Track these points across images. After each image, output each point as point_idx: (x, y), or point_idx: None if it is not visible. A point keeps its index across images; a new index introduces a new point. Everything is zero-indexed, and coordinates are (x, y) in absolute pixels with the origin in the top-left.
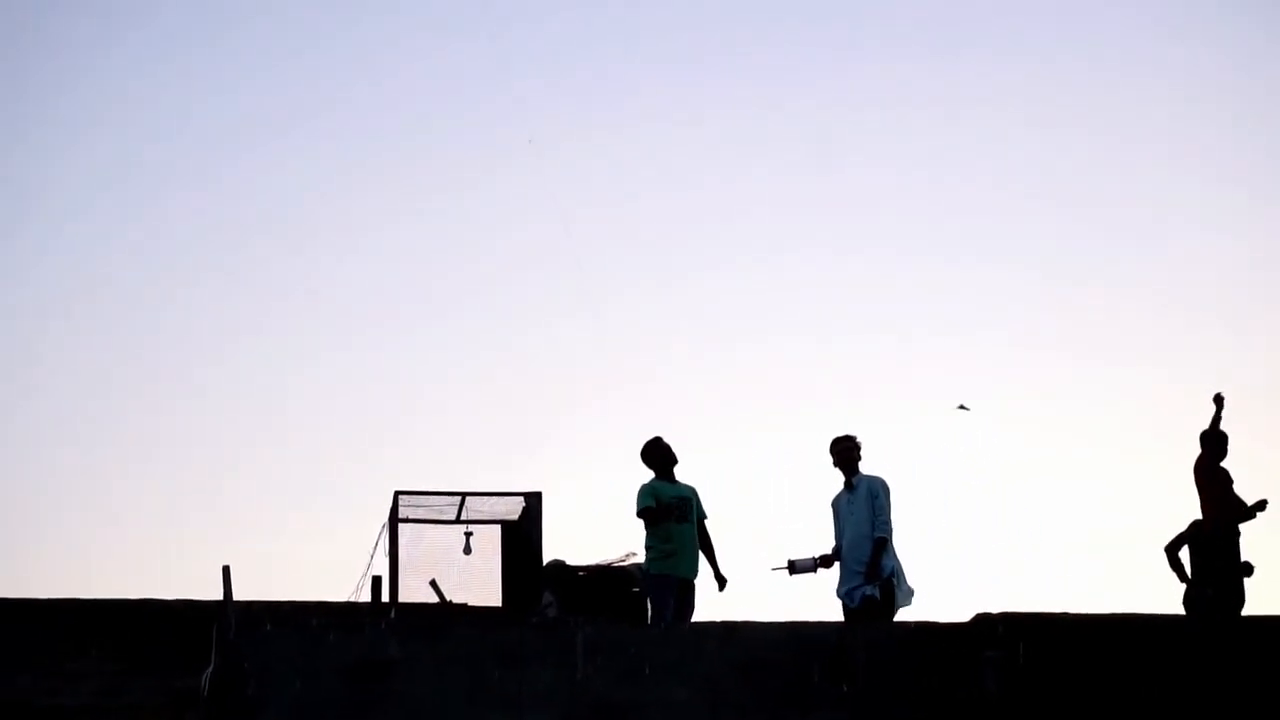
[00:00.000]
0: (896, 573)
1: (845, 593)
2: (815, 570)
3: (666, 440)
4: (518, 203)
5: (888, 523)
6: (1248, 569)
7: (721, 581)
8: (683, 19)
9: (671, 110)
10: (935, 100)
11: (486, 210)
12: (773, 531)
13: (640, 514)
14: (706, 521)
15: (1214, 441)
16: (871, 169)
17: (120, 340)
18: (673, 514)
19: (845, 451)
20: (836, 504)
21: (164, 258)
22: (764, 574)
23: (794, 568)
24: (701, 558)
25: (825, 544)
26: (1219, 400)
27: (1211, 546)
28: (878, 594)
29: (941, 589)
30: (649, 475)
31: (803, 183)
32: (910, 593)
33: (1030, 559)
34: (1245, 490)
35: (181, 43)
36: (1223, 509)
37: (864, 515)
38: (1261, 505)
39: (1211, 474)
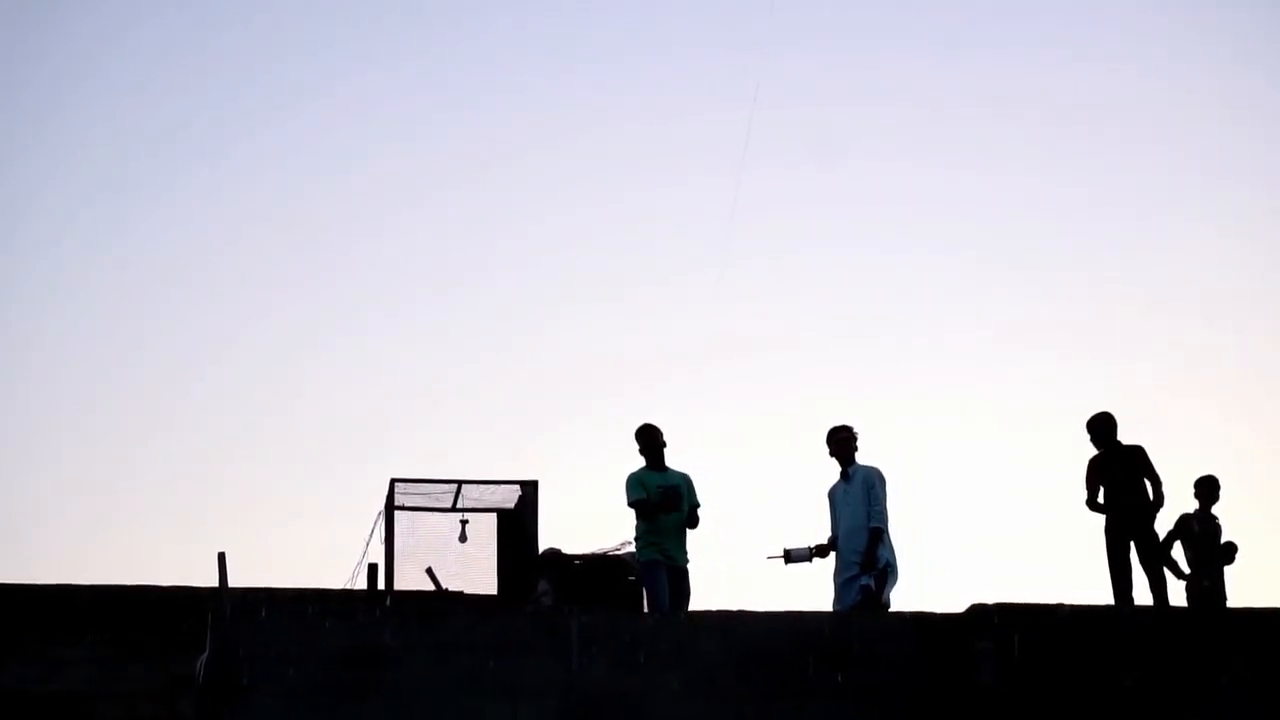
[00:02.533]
0: (891, 565)
1: (841, 583)
2: (810, 560)
3: (658, 427)
4: (513, 195)
5: (883, 513)
6: (1230, 551)
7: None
8: (681, 17)
9: (664, 105)
10: (932, 98)
11: (483, 202)
12: (769, 522)
13: (632, 504)
14: (699, 510)
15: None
16: (866, 164)
17: (118, 329)
18: (660, 506)
19: (842, 442)
20: (833, 494)
21: (161, 246)
22: (760, 565)
23: (789, 557)
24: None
25: (822, 534)
26: None
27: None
28: (873, 584)
29: (937, 580)
30: (641, 463)
31: (797, 178)
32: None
33: (1026, 550)
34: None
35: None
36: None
37: (860, 505)
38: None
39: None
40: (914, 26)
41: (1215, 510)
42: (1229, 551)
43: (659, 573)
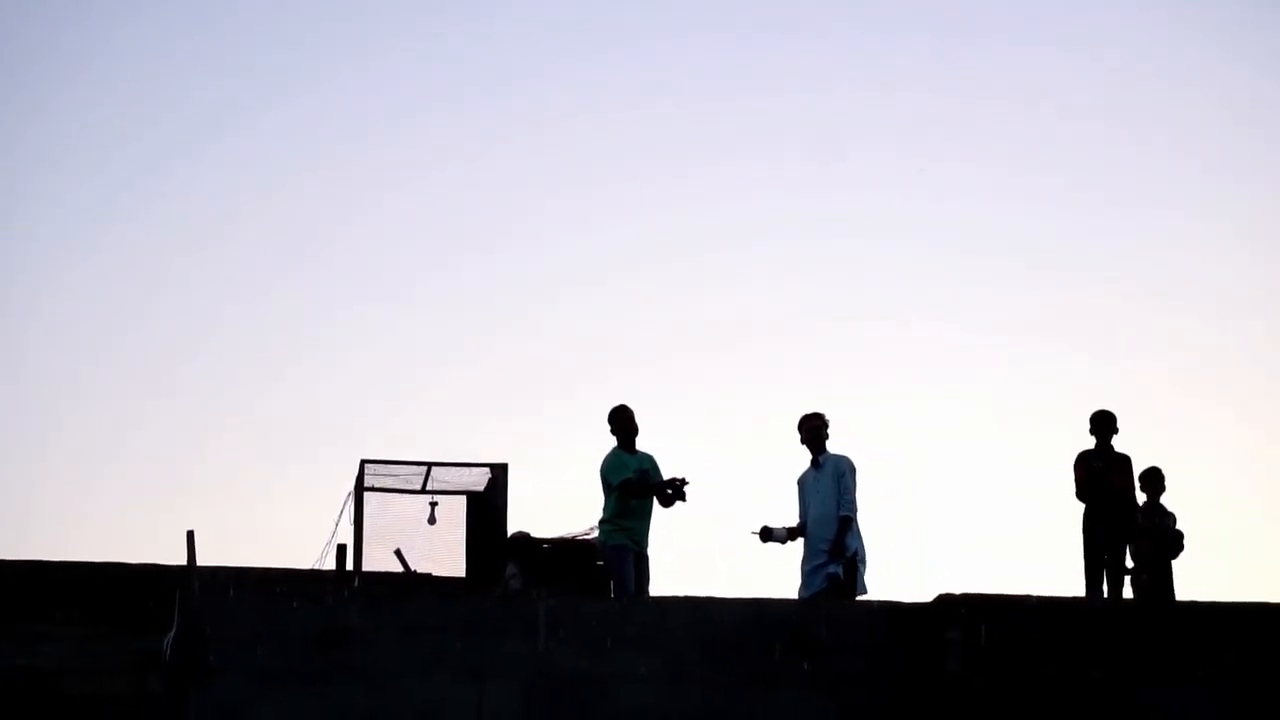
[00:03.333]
0: (860, 553)
1: (809, 570)
2: (785, 542)
3: (631, 409)
4: (483, 180)
5: (853, 502)
6: (1177, 540)
7: (676, 485)
8: (681, 14)
9: (638, 97)
10: (927, 97)
11: (453, 187)
12: (740, 508)
13: (620, 485)
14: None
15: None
16: (860, 155)
17: (89, 309)
18: (647, 487)
19: (813, 429)
20: (803, 481)
21: (132, 231)
22: (730, 551)
23: (766, 534)
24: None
25: (792, 521)
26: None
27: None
28: (841, 573)
29: (905, 570)
30: (612, 443)
31: (783, 167)
32: (864, 584)
33: (994, 542)
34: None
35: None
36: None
37: (830, 494)
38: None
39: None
40: (910, 21)
41: (1164, 501)
42: (1175, 542)
43: (627, 558)
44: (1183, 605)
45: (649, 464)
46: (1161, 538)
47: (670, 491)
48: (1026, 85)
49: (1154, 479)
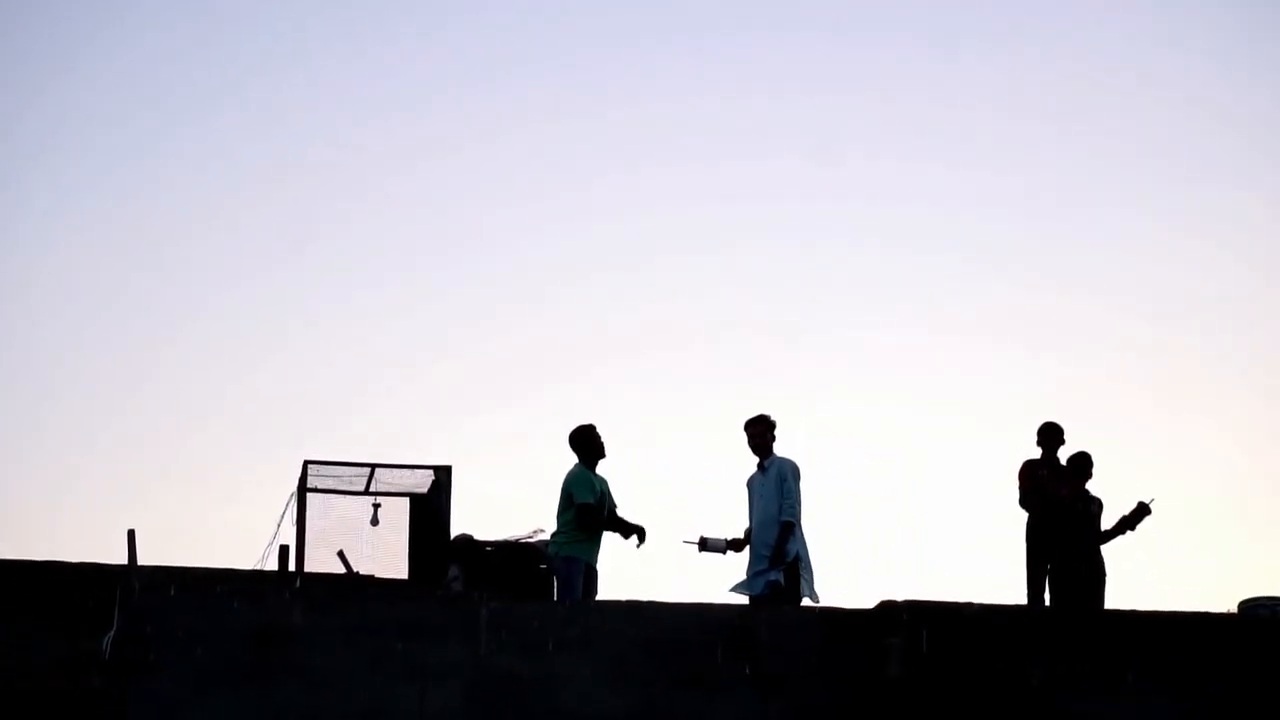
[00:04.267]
0: (802, 558)
1: (751, 575)
2: (724, 552)
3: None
4: (434, 182)
5: (795, 507)
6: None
7: (639, 532)
8: (679, 14)
9: (617, 95)
10: (921, 99)
11: (400, 188)
12: (685, 514)
13: (581, 508)
14: (618, 511)
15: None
16: (847, 158)
17: (30, 305)
18: (605, 520)
19: (759, 434)
20: (750, 484)
21: (78, 224)
22: (672, 555)
23: (704, 544)
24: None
25: (739, 525)
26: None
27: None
28: (782, 579)
29: (848, 576)
30: (572, 461)
31: (768, 168)
32: (813, 590)
33: (936, 548)
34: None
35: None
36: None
37: (773, 498)
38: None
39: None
40: (908, 22)
41: (1090, 487)
42: (1137, 514)
43: (578, 569)
44: (1124, 614)
45: (605, 487)
46: (1093, 523)
47: (627, 535)
48: (1025, 89)
49: (1081, 464)
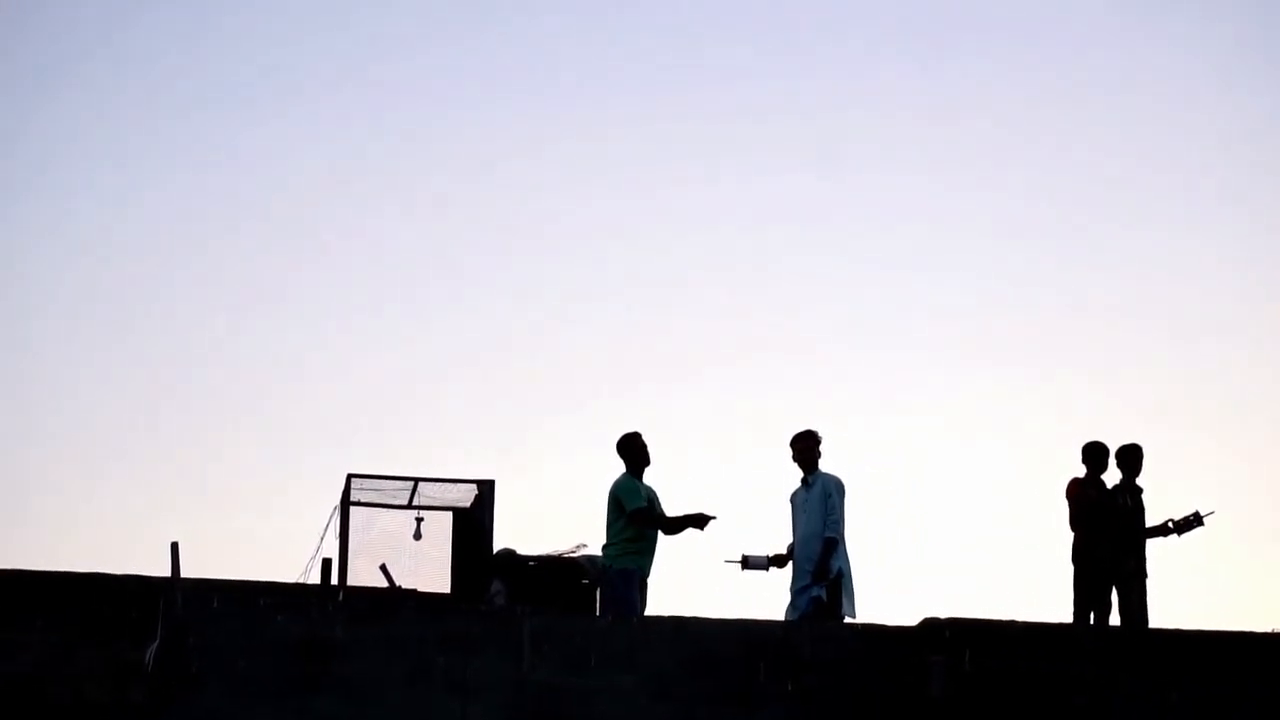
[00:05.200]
0: (845, 574)
1: (795, 591)
2: (767, 569)
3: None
4: (476, 195)
5: (839, 523)
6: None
7: (698, 518)
8: (680, 18)
9: (644, 108)
10: (920, 105)
11: (445, 202)
12: (729, 528)
13: (634, 513)
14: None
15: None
16: (853, 171)
17: (77, 319)
18: (659, 520)
19: (805, 449)
20: (794, 500)
21: (123, 239)
22: (716, 570)
23: (746, 563)
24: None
25: (783, 540)
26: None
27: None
28: (824, 595)
29: (891, 593)
30: (619, 469)
31: (780, 183)
32: (853, 607)
33: (981, 566)
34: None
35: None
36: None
37: (817, 514)
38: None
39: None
40: (906, 28)
41: (1140, 482)
42: (1188, 522)
43: (634, 584)
44: (1168, 633)
45: (653, 495)
46: (1138, 520)
47: (692, 524)
48: (1024, 94)
49: (1131, 457)
